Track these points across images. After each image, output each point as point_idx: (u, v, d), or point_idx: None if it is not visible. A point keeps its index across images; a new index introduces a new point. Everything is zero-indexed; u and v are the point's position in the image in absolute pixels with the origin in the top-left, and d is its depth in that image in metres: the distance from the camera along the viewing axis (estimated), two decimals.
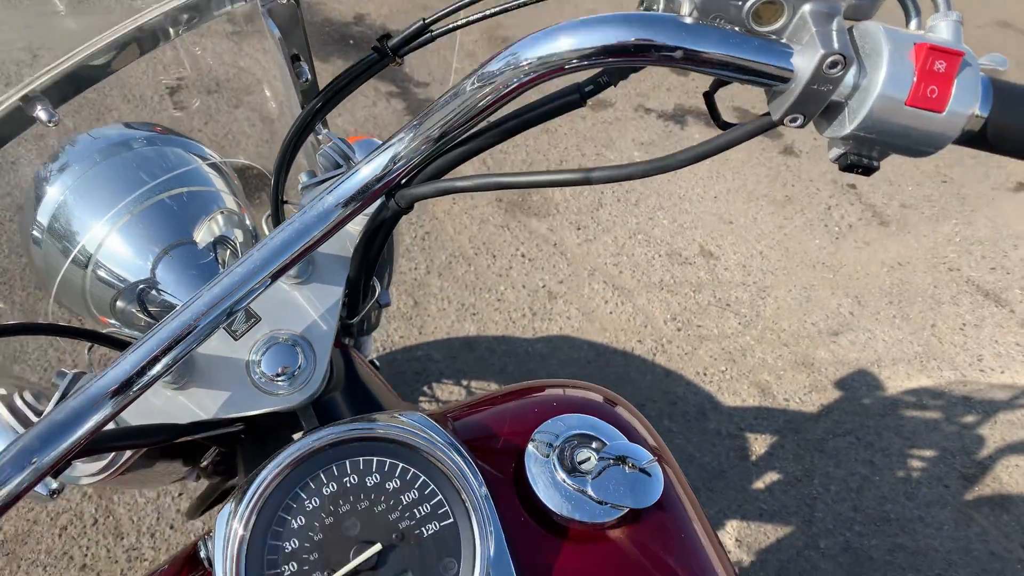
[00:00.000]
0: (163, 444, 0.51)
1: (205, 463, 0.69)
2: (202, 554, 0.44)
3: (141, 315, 0.62)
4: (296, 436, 0.53)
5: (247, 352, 0.52)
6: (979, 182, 2.67)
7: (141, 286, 0.62)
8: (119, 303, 0.63)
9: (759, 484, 1.68)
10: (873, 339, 2.05)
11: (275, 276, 0.40)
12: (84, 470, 0.52)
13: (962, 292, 2.23)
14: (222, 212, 0.65)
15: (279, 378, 0.51)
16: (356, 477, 0.42)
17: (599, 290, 2.05)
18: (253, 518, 0.40)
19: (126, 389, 0.37)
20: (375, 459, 0.43)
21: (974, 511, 1.66)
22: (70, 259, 0.64)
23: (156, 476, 0.68)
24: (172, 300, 0.61)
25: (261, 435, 0.57)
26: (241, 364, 0.52)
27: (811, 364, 1.94)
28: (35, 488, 0.36)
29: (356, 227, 0.56)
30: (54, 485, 0.44)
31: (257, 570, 0.40)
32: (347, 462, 0.42)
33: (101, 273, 0.63)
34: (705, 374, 1.88)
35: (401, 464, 0.43)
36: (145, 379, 0.38)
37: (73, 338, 0.57)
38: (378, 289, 0.61)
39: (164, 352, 0.38)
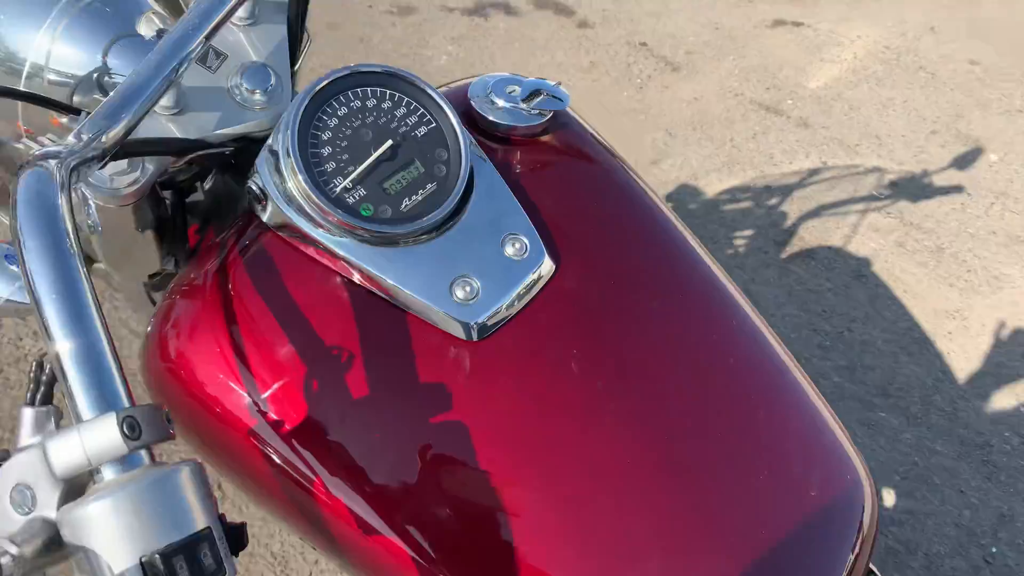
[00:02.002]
0: (179, 154, 0.62)
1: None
2: (255, 187, 0.57)
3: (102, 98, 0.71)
4: None
5: (226, 80, 0.64)
6: (743, 25, 3.08)
7: (96, 73, 0.70)
8: (77, 96, 0.71)
9: None
10: (687, 160, 2.38)
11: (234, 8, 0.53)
12: (121, 182, 0.62)
13: (748, 110, 2.62)
14: (157, 5, 0.74)
15: (257, 92, 0.63)
16: (360, 102, 0.57)
17: None
18: (295, 135, 0.54)
19: (136, 98, 0.49)
20: (371, 89, 0.58)
21: (790, 264, 2.05)
22: (23, 77, 0.72)
23: (142, 253, 0.77)
24: None
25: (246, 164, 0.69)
26: (223, 90, 0.64)
27: None
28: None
29: None
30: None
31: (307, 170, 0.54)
32: (356, 90, 0.57)
33: (54, 77, 0.71)
34: None
35: (391, 91, 0.58)
36: (150, 91, 0.50)
37: (49, 107, 0.65)
38: (308, 37, 0.74)
39: (156, 74, 0.51)
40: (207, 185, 0.74)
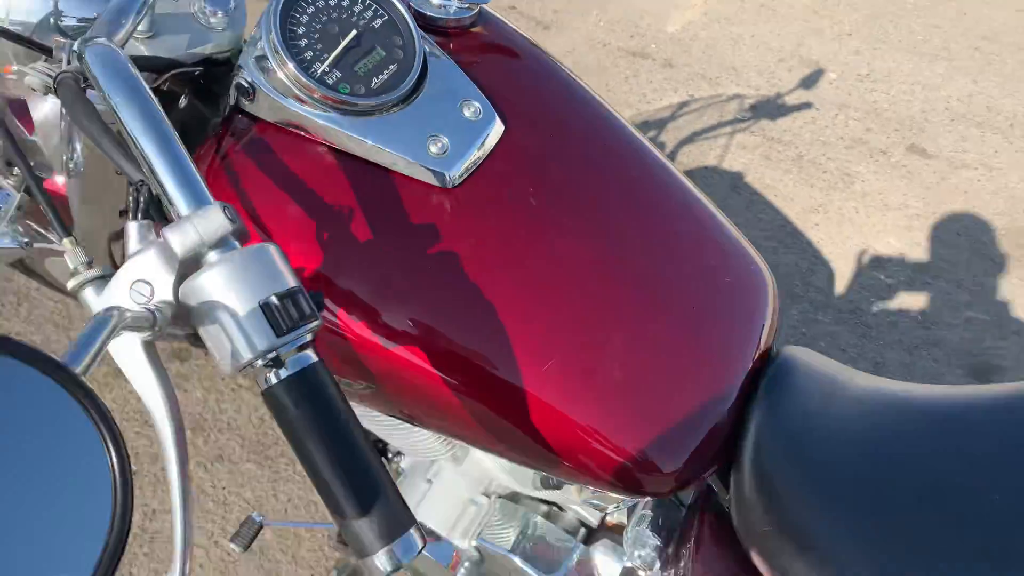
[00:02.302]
0: (158, 72, 0.70)
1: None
2: (244, 83, 0.66)
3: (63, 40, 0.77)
4: None
5: (190, 7, 0.73)
6: None
7: (52, 17, 0.76)
8: (36, 38, 0.77)
9: None
10: None
11: None
12: None
13: (618, 58, 2.83)
14: None
15: (218, 14, 0.72)
16: (324, 2, 0.67)
17: None
18: (280, 31, 0.64)
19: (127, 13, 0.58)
20: None
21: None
22: None
23: (116, 197, 0.84)
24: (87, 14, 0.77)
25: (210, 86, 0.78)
26: (189, 15, 0.72)
27: None
28: None
29: None
30: None
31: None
32: None
33: (11, 28, 0.77)
34: None
35: None
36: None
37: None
38: None
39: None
40: (181, 107, 0.81)
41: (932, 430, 0.68)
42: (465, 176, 0.68)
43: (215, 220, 0.45)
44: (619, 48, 2.87)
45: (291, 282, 0.46)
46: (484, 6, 0.78)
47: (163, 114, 0.48)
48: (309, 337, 0.46)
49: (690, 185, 0.80)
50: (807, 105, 2.62)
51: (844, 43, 2.98)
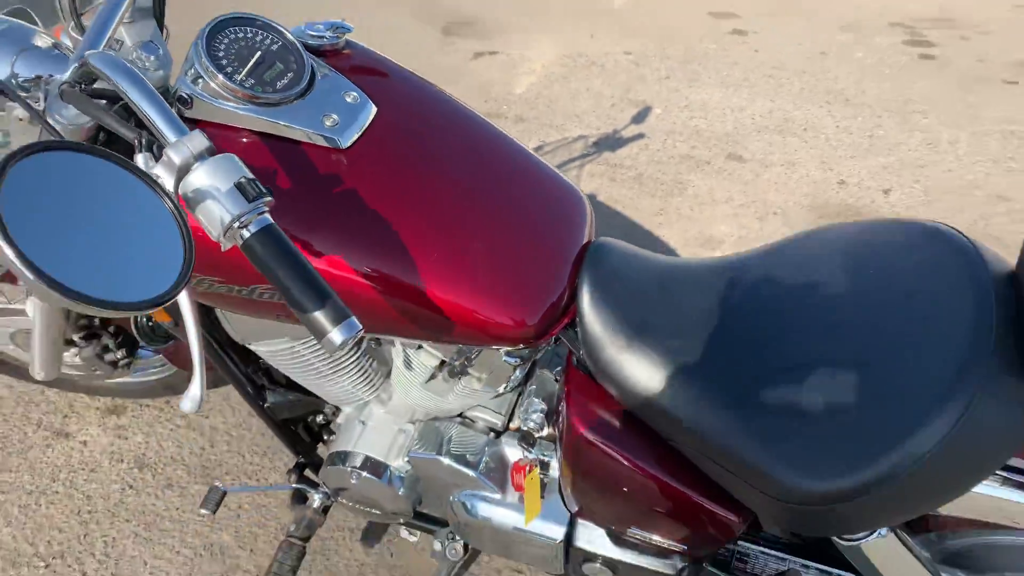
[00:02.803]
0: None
1: None
2: (184, 95, 0.92)
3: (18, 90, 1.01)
4: None
5: (128, 55, 0.99)
6: (453, 61, 3.72)
7: (12, 79, 0.99)
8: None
9: None
10: None
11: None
12: (81, 119, 0.93)
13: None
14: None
15: (151, 59, 0.99)
16: (234, 34, 0.95)
17: None
18: (207, 55, 0.91)
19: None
20: (237, 27, 0.96)
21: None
22: None
23: None
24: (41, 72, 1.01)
25: None
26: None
27: None
28: None
29: None
30: None
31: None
32: (229, 28, 0.95)
33: None
34: None
35: (249, 27, 0.97)
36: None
37: None
38: (167, 30, 1.10)
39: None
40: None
41: (701, 283, 1.01)
42: (353, 141, 0.96)
43: (197, 139, 0.71)
44: (476, 111, 3.26)
45: (249, 174, 0.72)
46: (348, 36, 1.08)
47: (151, 86, 0.75)
48: (266, 207, 0.72)
49: (525, 146, 1.11)
50: (640, 136, 3.08)
51: (664, 84, 3.52)
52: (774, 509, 0.90)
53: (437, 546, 1.33)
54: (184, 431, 1.77)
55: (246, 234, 0.71)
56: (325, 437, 1.44)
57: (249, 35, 0.97)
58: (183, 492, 1.64)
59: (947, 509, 0.94)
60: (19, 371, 1.75)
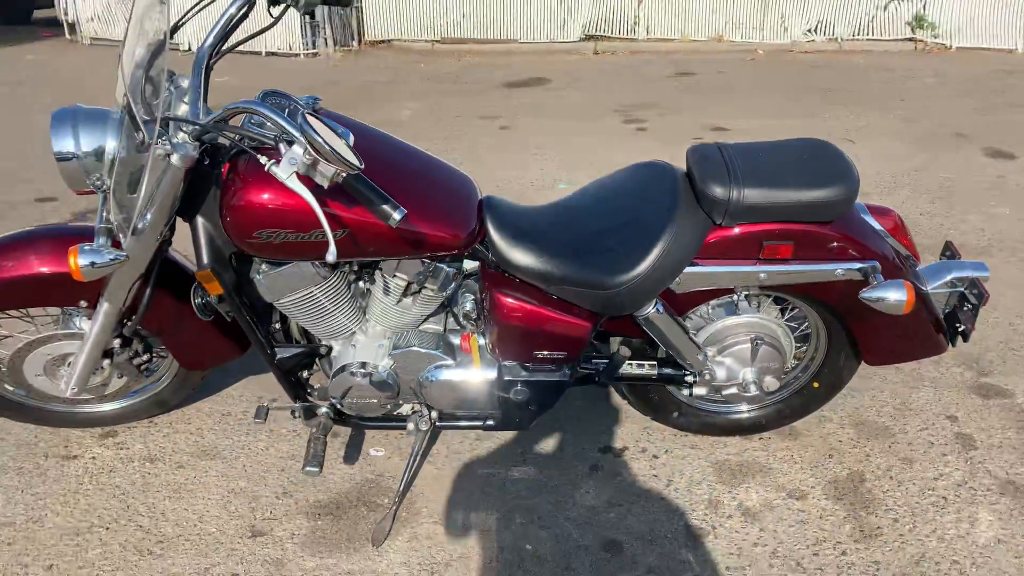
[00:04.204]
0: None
1: None
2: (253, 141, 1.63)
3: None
4: None
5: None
6: None
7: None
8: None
9: None
10: None
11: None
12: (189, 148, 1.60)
13: None
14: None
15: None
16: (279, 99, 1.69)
17: None
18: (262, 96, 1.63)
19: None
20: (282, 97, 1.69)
21: None
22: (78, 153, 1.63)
23: (168, 205, 1.70)
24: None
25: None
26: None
27: None
28: None
29: None
30: None
31: None
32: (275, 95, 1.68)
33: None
34: None
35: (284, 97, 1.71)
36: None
37: None
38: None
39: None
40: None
41: (546, 208, 1.89)
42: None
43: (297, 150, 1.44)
44: None
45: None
46: (319, 103, 1.85)
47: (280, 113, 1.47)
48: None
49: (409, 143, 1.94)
50: None
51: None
52: (598, 300, 1.77)
53: (411, 426, 2.01)
54: (175, 434, 2.26)
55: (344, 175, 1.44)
56: (313, 386, 2.07)
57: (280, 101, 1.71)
58: (194, 466, 2.14)
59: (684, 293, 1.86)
60: (22, 410, 2.16)
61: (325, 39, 8.36)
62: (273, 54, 8.26)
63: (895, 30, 8.41)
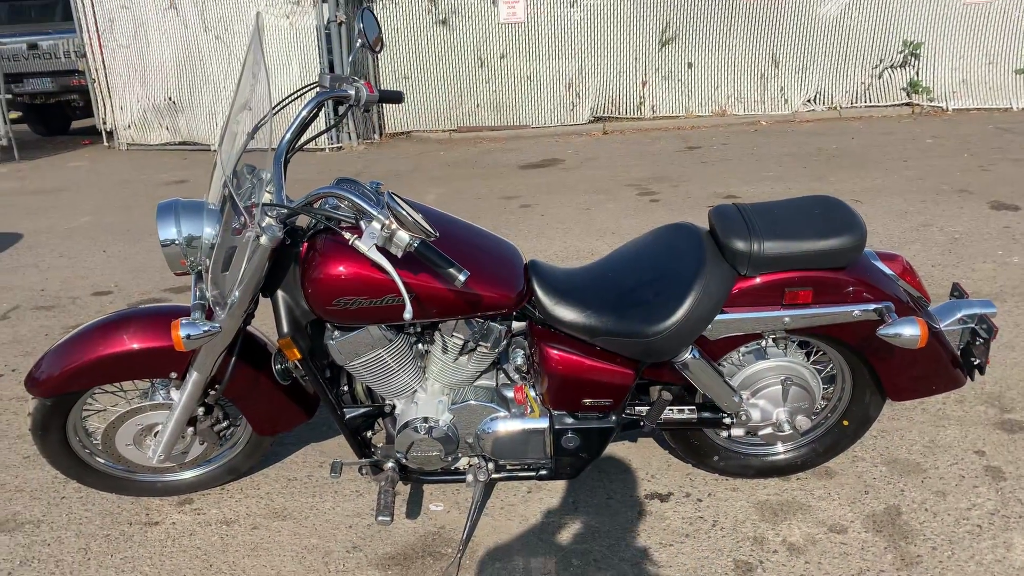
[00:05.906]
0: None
1: None
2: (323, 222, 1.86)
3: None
4: None
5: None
6: None
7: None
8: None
9: None
10: None
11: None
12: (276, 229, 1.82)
13: None
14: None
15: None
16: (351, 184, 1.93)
17: None
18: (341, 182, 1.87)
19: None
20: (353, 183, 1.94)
21: None
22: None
23: (256, 281, 1.92)
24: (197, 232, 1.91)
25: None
26: None
27: None
28: None
29: None
30: None
31: None
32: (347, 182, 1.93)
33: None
34: None
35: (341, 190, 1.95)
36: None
37: None
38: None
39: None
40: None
41: (582, 271, 2.11)
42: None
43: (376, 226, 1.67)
44: None
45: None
46: (382, 186, 2.10)
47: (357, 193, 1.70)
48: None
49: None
50: None
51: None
52: (639, 347, 1.95)
53: (469, 478, 2.16)
54: (247, 499, 2.42)
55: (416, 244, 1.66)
56: (376, 445, 2.24)
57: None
58: (268, 527, 2.29)
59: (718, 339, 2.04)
60: (110, 481, 2.34)
61: (349, 133, 8.86)
62: (301, 149, 8.69)
63: (891, 96, 8.80)
